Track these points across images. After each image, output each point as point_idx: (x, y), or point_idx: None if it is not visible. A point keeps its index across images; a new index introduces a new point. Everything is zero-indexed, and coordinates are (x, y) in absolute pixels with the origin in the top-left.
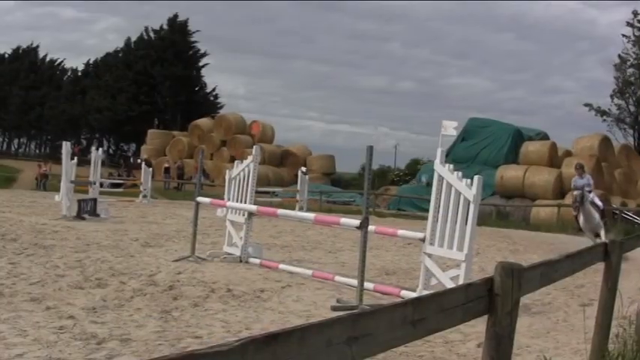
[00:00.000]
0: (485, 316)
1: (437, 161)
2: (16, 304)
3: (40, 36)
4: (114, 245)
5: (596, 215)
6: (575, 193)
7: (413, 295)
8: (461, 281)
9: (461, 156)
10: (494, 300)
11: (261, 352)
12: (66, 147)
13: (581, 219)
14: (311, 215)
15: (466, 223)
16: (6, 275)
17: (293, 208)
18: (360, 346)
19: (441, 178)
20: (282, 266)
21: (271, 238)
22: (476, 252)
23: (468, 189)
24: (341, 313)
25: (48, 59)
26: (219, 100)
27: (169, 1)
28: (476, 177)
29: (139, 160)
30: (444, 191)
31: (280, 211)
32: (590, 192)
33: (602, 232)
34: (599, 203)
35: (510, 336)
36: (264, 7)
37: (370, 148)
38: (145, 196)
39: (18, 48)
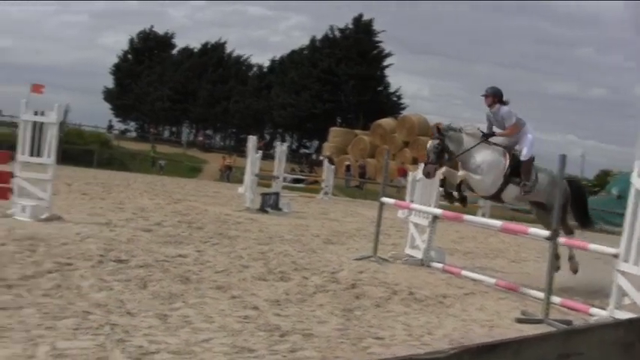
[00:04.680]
0: None
1: (634, 174)
2: (203, 290)
3: (228, 32)
4: (296, 240)
5: (495, 166)
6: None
7: (603, 313)
8: None
9: None
10: None
11: None
12: (252, 140)
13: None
14: (498, 223)
15: None
16: (193, 262)
17: (474, 214)
18: None
19: (638, 192)
20: (464, 272)
21: (453, 243)
22: None
23: None
24: (530, 326)
25: (234, 55)
26: (402, 101)
27: (355, 1)
28: None
29: (321, 157)
30: None
31: (466, 216)
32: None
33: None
34: (520, 148)
35: None
36: (450, 9)
37: (562, 158)
38: (326, 193)
39: (206, 43)
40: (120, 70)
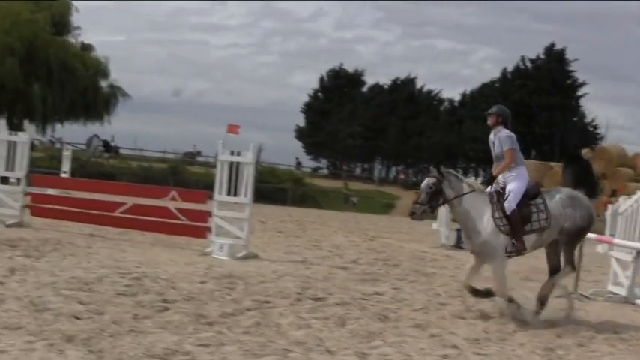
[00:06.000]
0: None
1: None
2: (402, 328)
3: (417, 67)
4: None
5: (486, 221)
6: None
7: None
8: None
9: None
10: None
11: None
12: None
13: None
14: None
15: None
16: (390, 300)
17: None
18: None
19: None
20: None
21: None
22: None
23: None
24: None
25: (425, 89)
26: (598, 131)
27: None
28: None
29: None
30: None
31: None
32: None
33: (497, 263)
34: (512, 195)
35: None
36: None
37: None
38: None
39: (396, 79)
40: (310, 109)
